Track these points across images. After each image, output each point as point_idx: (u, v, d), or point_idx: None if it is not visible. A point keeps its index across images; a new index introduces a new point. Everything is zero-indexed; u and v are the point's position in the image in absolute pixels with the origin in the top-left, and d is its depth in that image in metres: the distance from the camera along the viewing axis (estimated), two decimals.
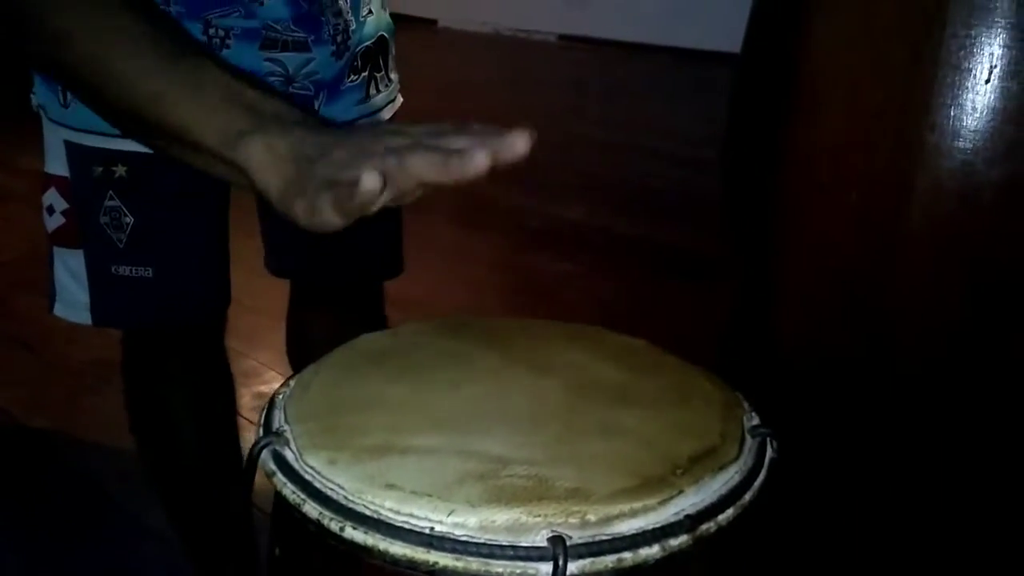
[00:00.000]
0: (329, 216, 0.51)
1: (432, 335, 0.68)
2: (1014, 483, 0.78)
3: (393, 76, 1.07)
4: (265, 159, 0.54)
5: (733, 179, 0.94)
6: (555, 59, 6.12)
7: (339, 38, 0.95)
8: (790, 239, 0.85)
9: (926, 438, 0.79)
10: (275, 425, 0.57)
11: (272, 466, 0.53)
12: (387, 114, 1.05)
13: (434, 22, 6.70)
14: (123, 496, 1.59)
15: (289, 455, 0.54)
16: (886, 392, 0.78)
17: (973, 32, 0.71)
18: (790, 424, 0.61)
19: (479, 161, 0.49)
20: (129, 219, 0.92)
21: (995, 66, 0.71)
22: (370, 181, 0.48)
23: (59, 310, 0.99)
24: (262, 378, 1.96)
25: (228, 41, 0.87)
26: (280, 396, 0.60)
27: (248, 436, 1.28)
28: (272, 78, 0.91)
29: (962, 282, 0.76)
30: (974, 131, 0.71)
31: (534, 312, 2.33)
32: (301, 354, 1.22)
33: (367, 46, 1.00)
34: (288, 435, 0.55)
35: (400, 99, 1.09)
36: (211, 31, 0.85)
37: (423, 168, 0.50)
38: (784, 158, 0.85)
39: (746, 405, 0.60)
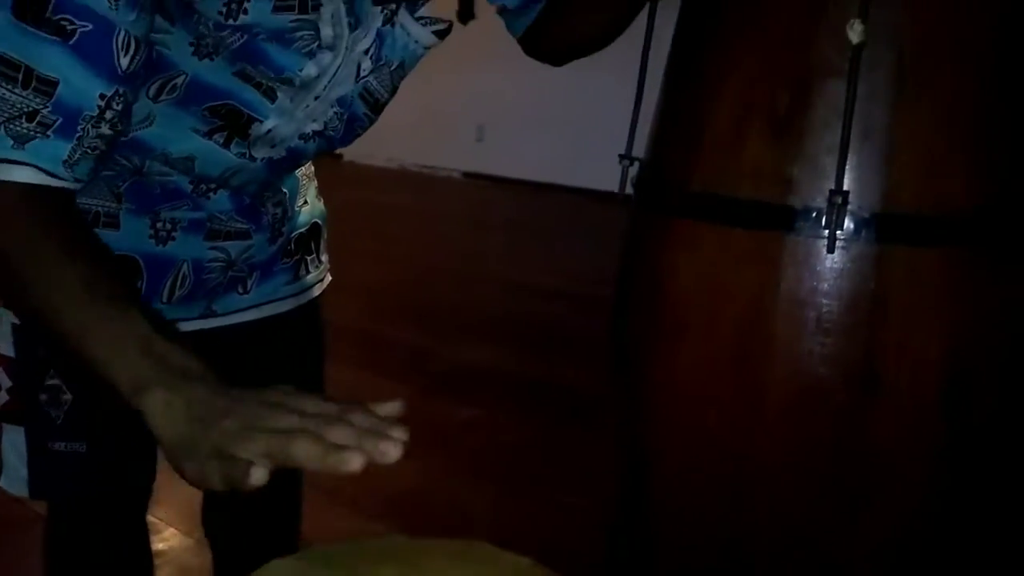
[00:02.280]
0: (215, 483, 0.58)
1: (331, 567, 0.74)
2: None
3: (323, 258, 1.16)
4: (163, 413, 0.61)
5: (614, 371, 1.06)
6: (459, 195, 6.34)
7: (276, 225, 1.03)
8: (660, 445, 0.97)
9: None
10: None
11: None
12: (316, 292, 1.14)
13: (339, 156, 6.88)
14: None
15: None
16: None
17: (804, 285, 0.86)
18: None
19: (354, 464, 0.55)
20: (68, 396, 0.97)
21: (824, 314, 0.86)
22: (258, 477, 0.56)
23: (3, 483, 1.02)
24: (161, 535, 1.95)
25: (174, 233, 0.94)
26: None
27: None
28: (215, 263, 0.98)
29: (810, 492, 0.88)
30: (809, 364, 0.85)
31: (439, 461, 2.38)
32: (219, 530, 1.25)
33: (301, 232, 1.09)
34: None
35: (329, 277, 1.17)
36: (159, 224, 0.93)
37: (303, 458, 0.57)
38: (651, 374, 0.97)
39: None
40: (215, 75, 0.81)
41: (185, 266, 0.96)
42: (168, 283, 0.96)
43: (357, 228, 4.43)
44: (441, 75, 6.84)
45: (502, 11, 0.97)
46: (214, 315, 1.03)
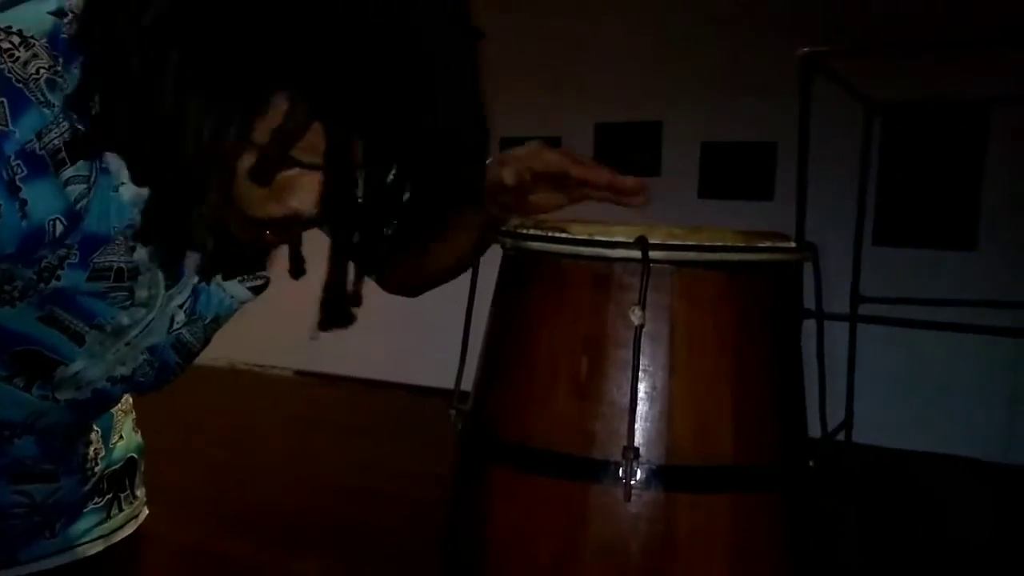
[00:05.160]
0: None
1: None
2: None
3: (139, 492, 1.12)
4: None
5: None
6: (291, 394, 6.26)
7: (87, 466, 1.00)
8: None
9: None
10: None
11: None
12: (129, 530, 1.09)
13: None
14: None
15: None
16: None
17: (608, 528, 0.98)
18: None
19: None
20: None
21: (625, 554, 0.97)
22: None
23: None
24: None
25: None
26: None
27: None
28: (19, 509, 0.94)
29: None
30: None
31: None
32: None
33: (114, 469, 1.06)
34: None
35: (146, 511, 1.13)
36: None
37: None
38: None
39: None
40: (18, 321, 0.80)
41: None
42: None
43: (180, 432, 4.30)
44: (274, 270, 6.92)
45: None
46: (18, 563, 0.98)
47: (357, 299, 0.82)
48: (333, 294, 0.79)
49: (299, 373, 6.60)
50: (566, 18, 5.83)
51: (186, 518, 3.35)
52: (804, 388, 1.11)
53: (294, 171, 0.70)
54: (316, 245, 0.83)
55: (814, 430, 1.15)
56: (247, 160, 0.69)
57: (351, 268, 0.81)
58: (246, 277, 0.91)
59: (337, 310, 0.80)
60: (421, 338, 5.80)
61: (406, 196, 0.75)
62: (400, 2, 0.67)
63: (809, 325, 1.21)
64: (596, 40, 5.74)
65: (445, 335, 1.28)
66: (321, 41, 0.65)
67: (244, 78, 0.66)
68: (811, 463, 1.08)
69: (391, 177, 0.74)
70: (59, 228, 0.72)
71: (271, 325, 6.60)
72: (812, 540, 1.09)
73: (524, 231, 1.06)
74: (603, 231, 1.02)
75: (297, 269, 0.86)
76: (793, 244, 1.06)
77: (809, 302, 1.22)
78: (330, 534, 3.52)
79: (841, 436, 3.32)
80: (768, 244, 1.03)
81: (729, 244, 1.01)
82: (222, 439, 4.74)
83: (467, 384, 1.17)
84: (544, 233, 1.04)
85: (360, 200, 0.73)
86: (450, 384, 1.18)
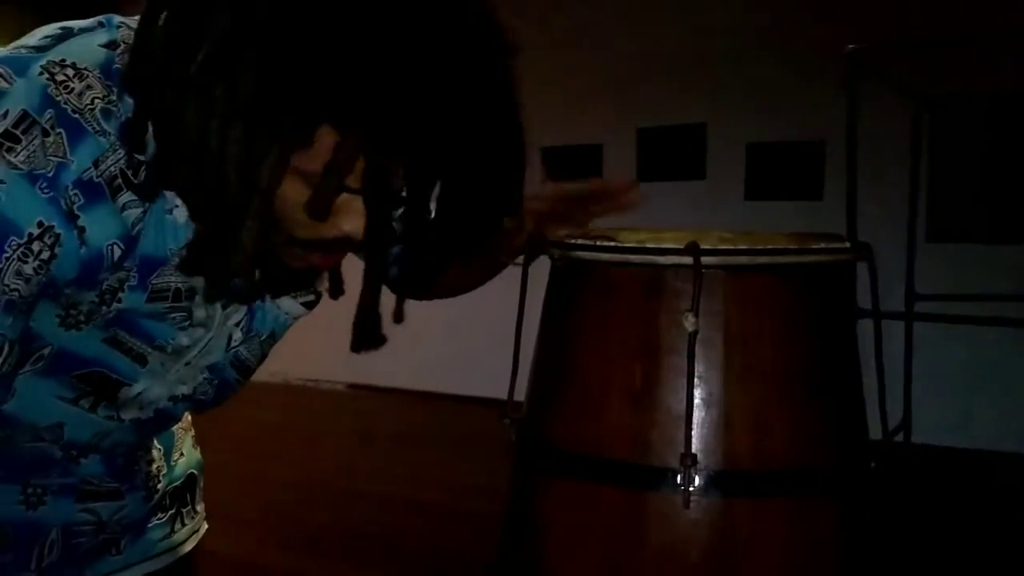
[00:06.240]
0: None
1: None
2: None
3: (199, 507, 1.15)
4: None
5: None
6: (343, 408, 6.32)
7: (151, 483, 1.03)
8: None
9: None
10: None
11: None
12: (191, 544, 1.12)
13: None
14: None
15: None
16: None
17: (667, 536, 0.98)
18: None
19: None
20: None
21: (685, 561, 0.97)
22: None
23: None
24: None
25: (45, 498, 0.93)
26: None
27: None
28: (86, 527, 0.97)
29: None
30: None
31: None
32: None
33: (176, 485, 1.10)
34: None
35: (205, 526, 1.16)
36: (29, 490, 0.92)
37: None
38: None
39: None
40: (84, 344, 0.82)
41: (54, 532, 0.95)
42: (36, 550, 0.94)
43: (236, 449, 4.36)
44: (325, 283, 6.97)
45: None
46: None
47: (400, 317, 0.84)
48: (367, 316, 0.80)
49: (351, 386, 6.66)
50: (605, 24, 5.83)
51: (243, 533, 3.40)
52: (863, 389, 1.10)
53: (344, 196, 0.72)
54: (354, 262, 0.85)
55: (874, 431, 1.13)
56: (294, 189, 0.71)
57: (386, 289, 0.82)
58: (298, 293, 0.93)
59: (370, 331, 0.81)
60: (471, 349, 5.81)
61: (444, 216, 0.77)
62: (435, 25, 0.68)
63: (864, 325, 1.19)
64: (636, 45, 5.73)
65: (495, 346, 1.28)
66: (361, 71, 0.66)
67: (285, 110, 0.67)
68: (872, 464, 1.06)
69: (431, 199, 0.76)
70: (117, 252, 0.75)
71: (323, 340, 6.67)
72: (873, 542, 1.07)
73: (572, 241, 1.07)
74: (653, 238, 1.02)
75: (335, 289, 0.90)
76: (847, 245, 1.04)
77: (864, 301, 1.21)
78: (388, 547, 3.54)
79: (900, 437, 3.26)
80: (822, 246, 1.02)
81: (781, 247, 1.00)
82: (276, 454, 4.80)
83: (519, 394, 1.17)
84: (593, 242, 1.05)
85: (397, 224, 0.75)
86: (501, 395, 1.18)
